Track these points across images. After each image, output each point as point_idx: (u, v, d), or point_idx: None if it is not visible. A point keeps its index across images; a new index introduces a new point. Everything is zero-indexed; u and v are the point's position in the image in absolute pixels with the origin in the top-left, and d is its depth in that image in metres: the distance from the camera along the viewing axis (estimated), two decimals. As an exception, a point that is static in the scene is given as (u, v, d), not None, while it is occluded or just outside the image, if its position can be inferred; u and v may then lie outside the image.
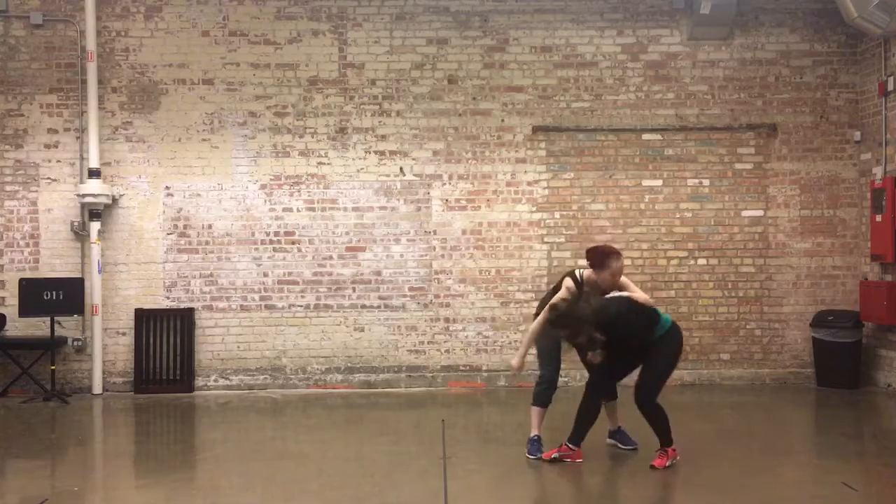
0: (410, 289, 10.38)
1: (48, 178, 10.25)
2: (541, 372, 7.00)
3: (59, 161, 10.26)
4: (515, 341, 10.19)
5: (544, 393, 6.95)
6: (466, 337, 10.40)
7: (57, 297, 9.73)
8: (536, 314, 6.98)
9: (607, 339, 6.46)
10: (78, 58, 10.19)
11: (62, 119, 10.26)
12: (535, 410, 6.97)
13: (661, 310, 6.95)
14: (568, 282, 6.81)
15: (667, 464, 6.60)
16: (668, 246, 10.47)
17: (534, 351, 7.03)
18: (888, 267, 9.87)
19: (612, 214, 10.43)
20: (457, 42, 10.45)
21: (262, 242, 10.34)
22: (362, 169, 10.39)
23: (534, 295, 10.27)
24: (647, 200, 10.47)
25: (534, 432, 6.95)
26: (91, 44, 10.04)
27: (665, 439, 6.70)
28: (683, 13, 10.52)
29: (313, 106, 10.39)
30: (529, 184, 10.39)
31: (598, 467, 6.75)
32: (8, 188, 10.26)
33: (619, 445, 7.14)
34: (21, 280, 9.83)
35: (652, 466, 6.56)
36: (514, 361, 6.96)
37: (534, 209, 10.42)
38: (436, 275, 10.31)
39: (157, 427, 9.04)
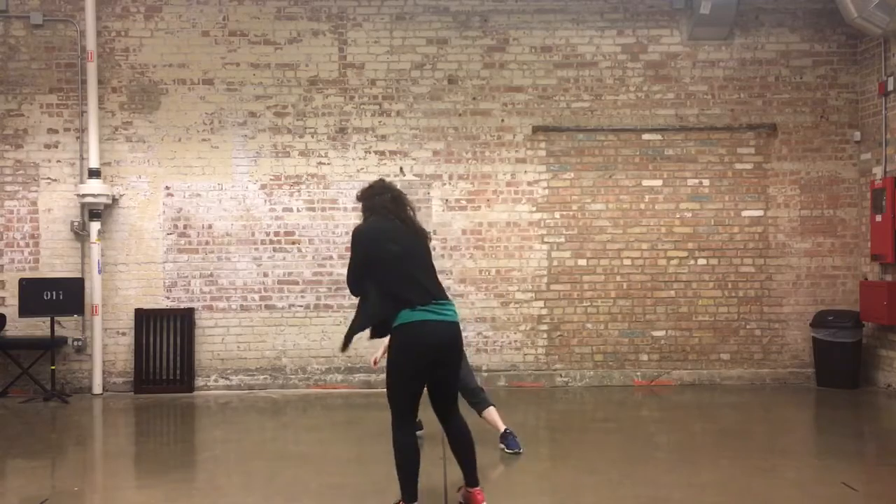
0: (410, 289, 10.37)
1: (48, 178, 10.25)
2: (473, 384, 7.33)
3: (59, 161, 10.26)
4: (515, 341, 10.22)
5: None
6: (466, 337, 10.24)
7: (57, 297, 9.74)
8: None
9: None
10: (78, 58, 10.19)
11: (62, 119, 10.26)
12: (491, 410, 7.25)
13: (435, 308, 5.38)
14: None
15: None
16: (668, 246, 10.47)
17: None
18: (888, 267, 9.87)
19: (612, 214, 10.42)
20: (457, 42, 10.45)
21: (262, 242, 10.34)
22: (362, 169, 10.39)
23: (534, 295, 10.29)
24: (647, 200, 10.47)
25: (502, 428, 7.20)
26: (91, 44, 10.04)
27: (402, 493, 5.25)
28: (683, 13, 10.52)
29: (313, 106, 10.39)
30: (529, 184, 10.39)
31: (597, 467, 6.75)
32: (8, 188, 10.26)
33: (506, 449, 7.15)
34: (21, 280, 9.83)
35: None
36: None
37: (534, 209, 10.42)
38: (436, 275, 10.29)
39: (157, 427, 9.04)
